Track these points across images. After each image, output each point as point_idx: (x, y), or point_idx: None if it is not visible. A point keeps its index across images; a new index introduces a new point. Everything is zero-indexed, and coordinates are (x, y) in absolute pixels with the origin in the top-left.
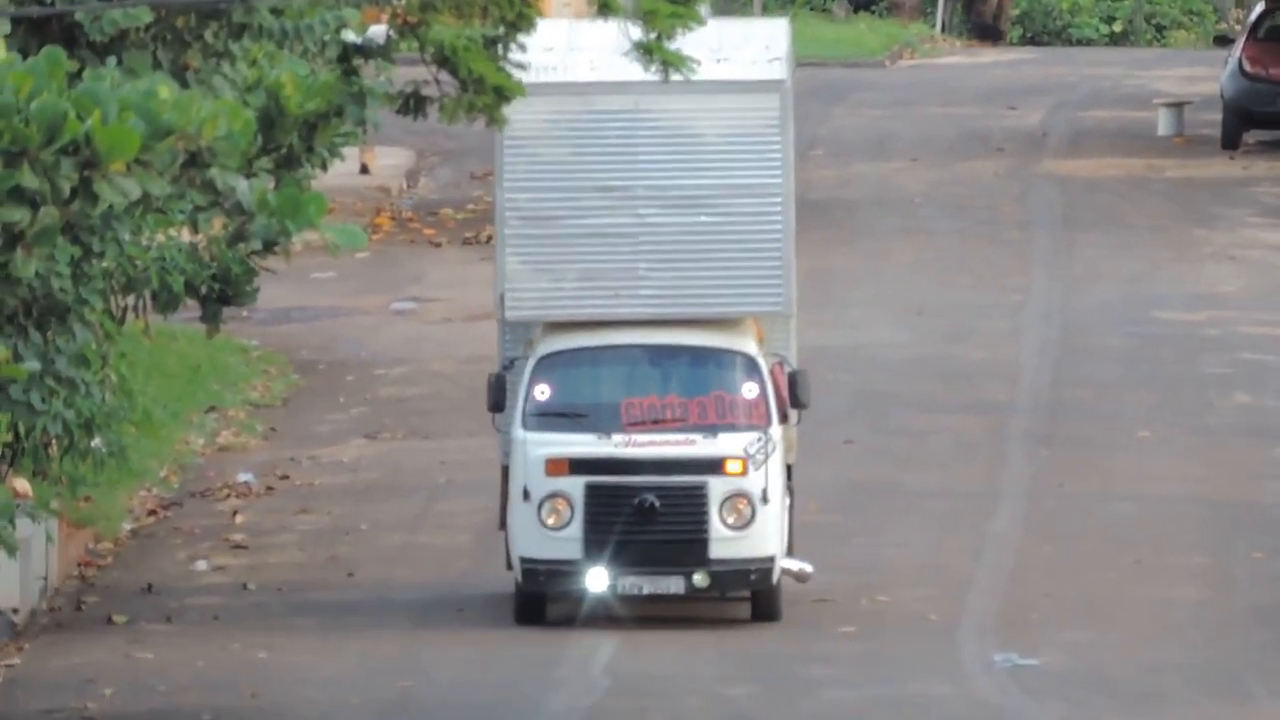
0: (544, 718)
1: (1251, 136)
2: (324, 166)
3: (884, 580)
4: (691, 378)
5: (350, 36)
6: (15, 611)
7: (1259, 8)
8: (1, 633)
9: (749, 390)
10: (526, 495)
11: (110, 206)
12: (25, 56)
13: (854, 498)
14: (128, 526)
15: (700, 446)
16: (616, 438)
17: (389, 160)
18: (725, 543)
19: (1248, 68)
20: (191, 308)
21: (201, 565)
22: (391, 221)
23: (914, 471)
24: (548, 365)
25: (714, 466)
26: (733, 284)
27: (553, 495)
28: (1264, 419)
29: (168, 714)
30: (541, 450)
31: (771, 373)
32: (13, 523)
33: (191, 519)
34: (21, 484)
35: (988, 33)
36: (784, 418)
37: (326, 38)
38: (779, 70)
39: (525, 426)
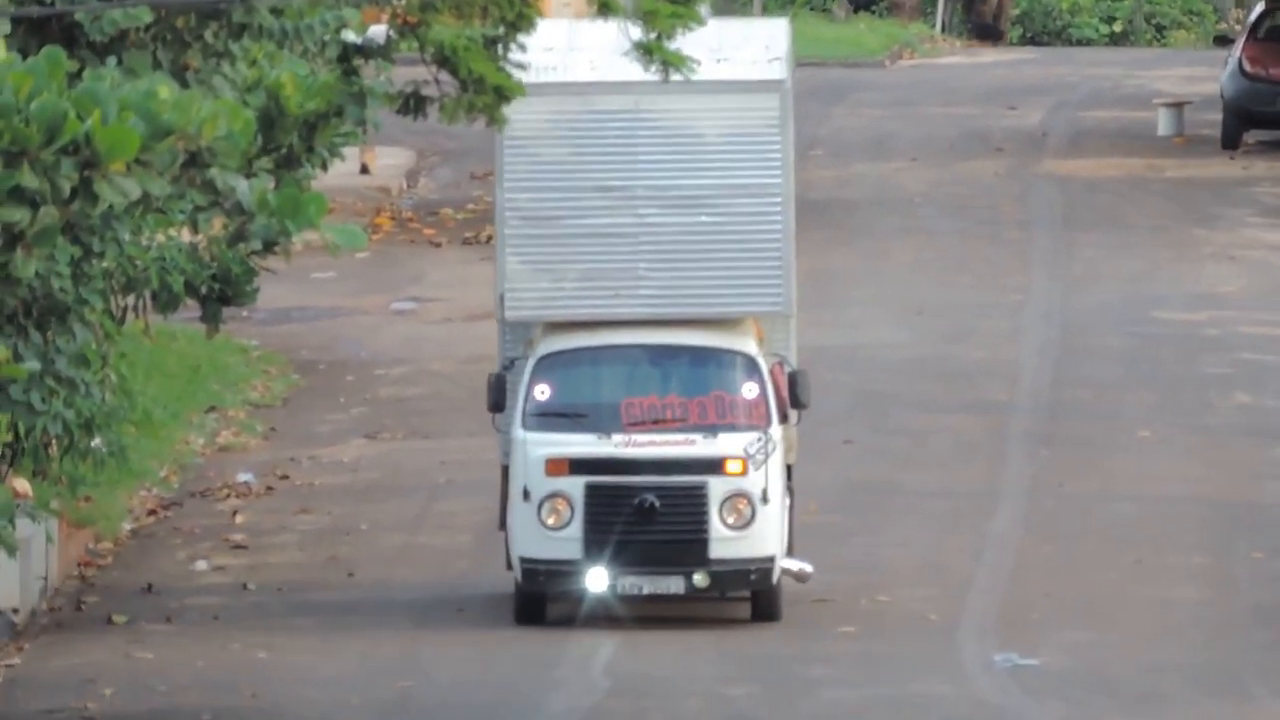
0: (544, 718)
1: (1251, 136)
2: (324, 166)
3: (884, 580)
4: (691, 378)
5: (350, 36)
6: (15, 611)
7: (1259, 8)
8: (1, 633)
9: (749, 390)
10: (526, 495)
11: (110, 206)
12: (25, 56)
13: (854, 497)
14: (128, 526)
15: (700, 446)
16: (616, 438)
17: (389, 160)
18: (725, 543)
19: (1248, 68)
20: (191, 308)
21: (201, 565)
22: (391, 221)
23: (914, 471)
24: (548, 365)
25: (714, 466)
26: (732, 284)
27: (553, 495)
28: (1264, 419)
29: (168, 714)
30: (541, 450)
31: (771, 373)
32: (13, 523)
33: (191, 519)
34: (21, 484)
35: (988, 33)
36: (784, 418)
37: (326, 38)
38: (779, 70)
39: (525, 426)
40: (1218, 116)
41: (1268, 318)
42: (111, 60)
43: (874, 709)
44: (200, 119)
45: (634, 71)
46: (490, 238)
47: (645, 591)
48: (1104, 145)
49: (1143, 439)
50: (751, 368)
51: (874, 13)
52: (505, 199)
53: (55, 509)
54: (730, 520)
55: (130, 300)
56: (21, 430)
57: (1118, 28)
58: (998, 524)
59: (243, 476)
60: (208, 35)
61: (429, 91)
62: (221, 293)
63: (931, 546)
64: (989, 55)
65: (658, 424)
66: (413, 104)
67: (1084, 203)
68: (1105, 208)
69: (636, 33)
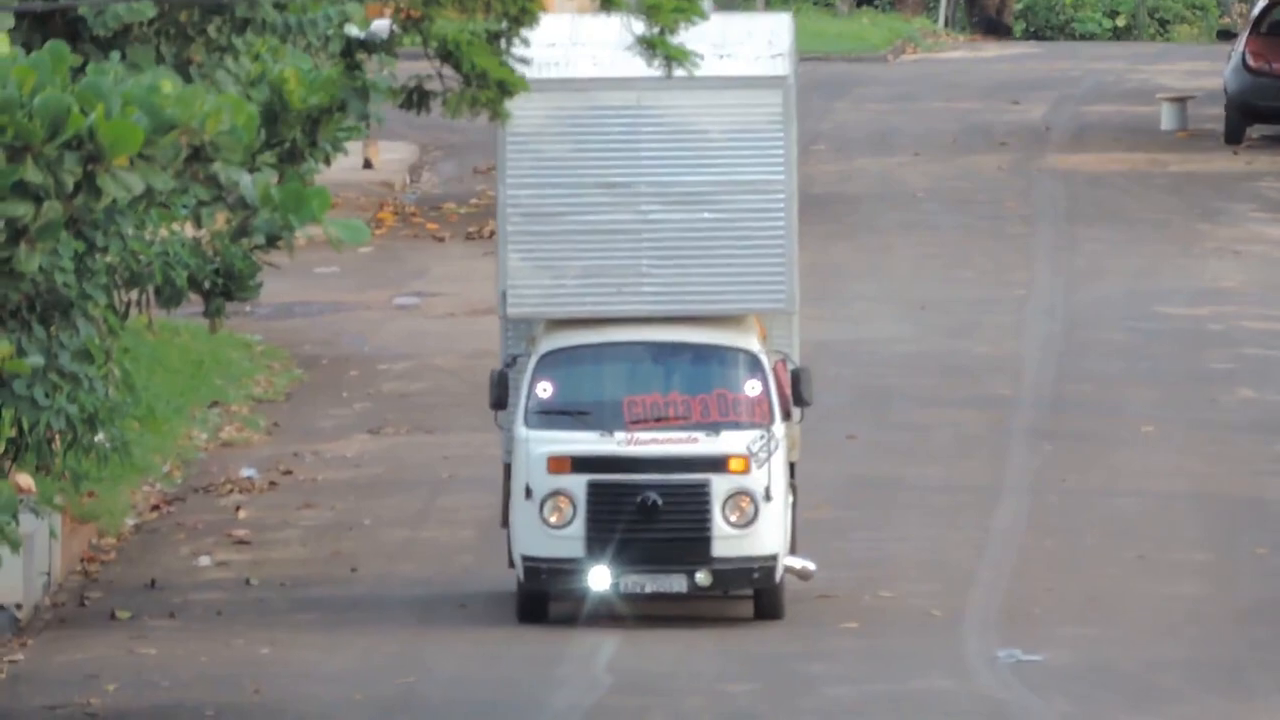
0: (546, 715)
1: (1255, 131)
2: (327, 161)
3: (886, 576)
4: (694, 375)
5: (353, 31)
6: (19, 607)
7: (1262, 2)
8: (5, 628)
9: (752, 388)
10: (529, 493)
11: (114, 201)
12: (29, 51)
13: (856, 493)
14: (131, 522)
15: (703, 444)
16: (619, 435)
17: (392, 155)
18: (728, 541)
19: (1251, 62)
20: (195, 303)
21: (204, 561)
22: (394, 216)
23: (916, 466)
24: (550, 363)
25: (717, 464)
26: (735, 281)
27: (555, 493)
28: (1267, 414)
29: (171, 709)
30: (544, 448)
31: (774, 370)
32: (16, 518)
33: (194, 514)
34: (25, 479)
35: (994, 27)
36: (787, 415)
37: (330, 32)
38: (782, 66)
39: (527, 424)
40: (1221, 111)
41: (1271, 313)
42: (115, 55)
43: (876, 705)
44: (203, 114)
45: (637, 67)
46: (493, 233)
47: (648, 590)
48: (1107, 140)
49: (1146, 434)
50: (754, 365)
51: (877, 7)
52: (507, 195)
53: (58, 504)
54: (733, 518)
55: (133, 295)
56: (25, 425)
57: (1121, 22)
58: (1000, 519)
59: (246, 472)
60: (211, 30)
61: (432, 86)
62: (225, 288)
63: (934, 542)
64: (992, 50)
65: (660, 422)
66: (416, 99)
67: (1087, 198)
68: (1108, 203)
69: (639, 28)
